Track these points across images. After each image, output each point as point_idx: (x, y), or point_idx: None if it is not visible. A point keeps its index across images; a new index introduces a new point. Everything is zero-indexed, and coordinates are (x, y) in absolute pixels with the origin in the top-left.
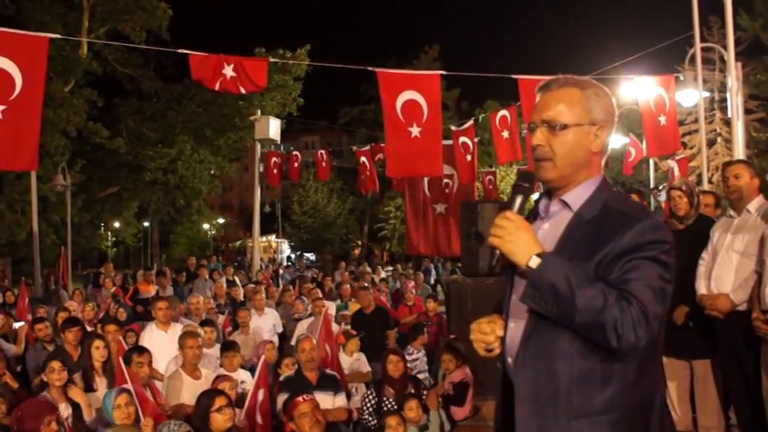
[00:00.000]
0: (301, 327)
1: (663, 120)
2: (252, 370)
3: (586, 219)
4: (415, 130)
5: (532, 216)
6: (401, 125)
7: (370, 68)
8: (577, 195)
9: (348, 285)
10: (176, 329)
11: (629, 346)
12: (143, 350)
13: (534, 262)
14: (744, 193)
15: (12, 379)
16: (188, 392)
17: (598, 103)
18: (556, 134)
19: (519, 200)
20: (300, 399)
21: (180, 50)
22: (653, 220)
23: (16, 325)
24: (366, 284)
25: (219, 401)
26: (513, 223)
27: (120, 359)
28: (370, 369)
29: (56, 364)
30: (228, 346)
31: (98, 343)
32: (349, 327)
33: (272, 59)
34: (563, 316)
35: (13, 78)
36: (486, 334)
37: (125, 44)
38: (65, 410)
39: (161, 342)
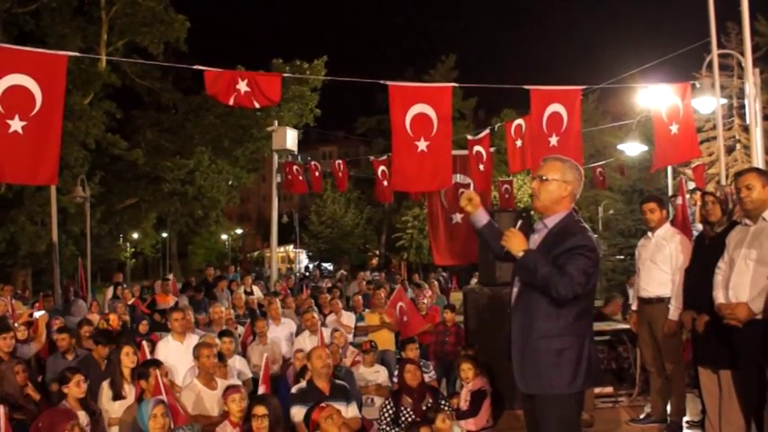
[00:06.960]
0: (303, 338)
1: (675, 128)
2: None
3: (554, 232)
4: (422, 144)
5: (532, 230)
6: (409, 139)
7: (382, 82)
8: (552, 219)
9: (360, 297)
10: (192, 340)
11: (560, 297)
12: (158, 363)
13: (520, 254)
14: (758, 203)
15: (33, 390)
16: (204, 403)
17: (570, 171)
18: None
19: (519, 222)
20: (323, 404)
21: (195, 66)
22: (583, 234)
23: (37, 314)
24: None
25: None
26: (513, 233)
27: (158, 372)
28: (389, 383)
29: (79, 377)
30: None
31: (127, 349)
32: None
33: (285, 74)
34: (532, 281)
35: (33, 95)
36: (472, 198)
37: (144, 62)
38: (84, 419)
39: (177, 353)
